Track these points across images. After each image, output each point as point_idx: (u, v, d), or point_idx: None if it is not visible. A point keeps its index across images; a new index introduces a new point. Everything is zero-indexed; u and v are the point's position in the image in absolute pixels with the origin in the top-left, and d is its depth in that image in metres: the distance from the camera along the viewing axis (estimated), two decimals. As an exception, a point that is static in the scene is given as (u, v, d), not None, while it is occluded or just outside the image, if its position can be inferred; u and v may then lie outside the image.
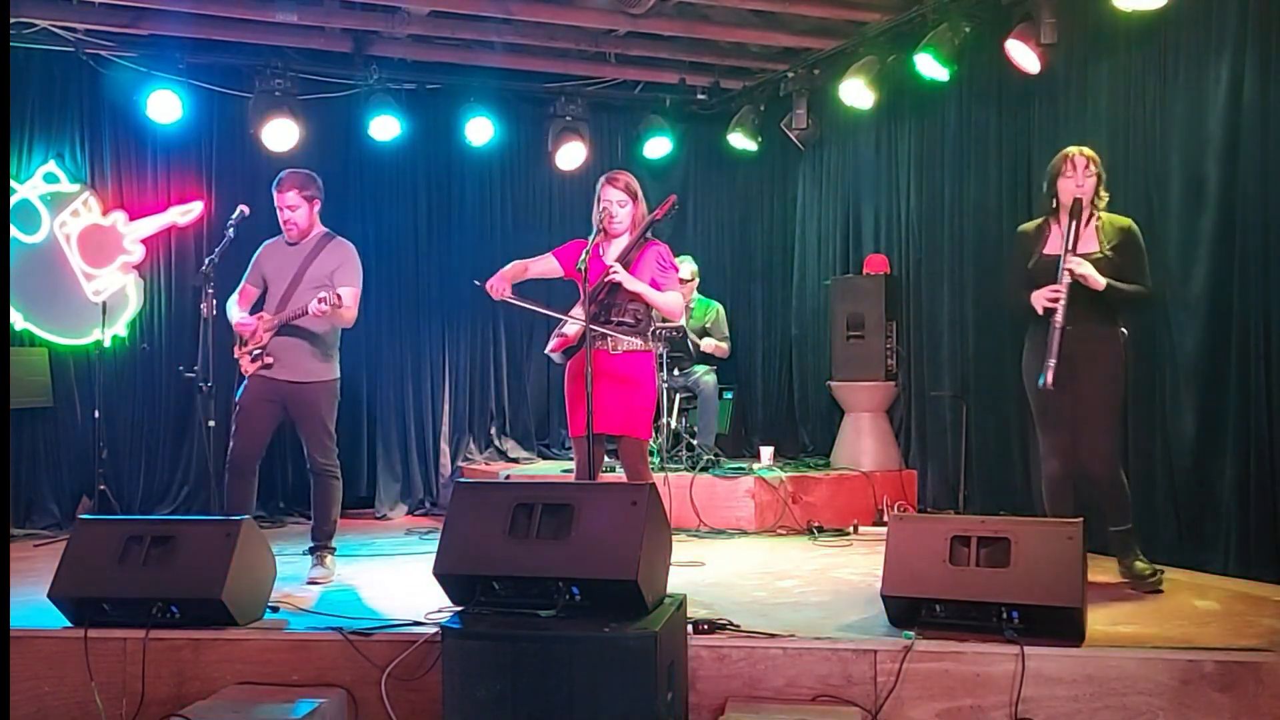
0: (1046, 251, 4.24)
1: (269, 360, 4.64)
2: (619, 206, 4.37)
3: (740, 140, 7.37)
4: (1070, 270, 4.03)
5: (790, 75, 6.94)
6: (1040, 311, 4.12)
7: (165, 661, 3.52)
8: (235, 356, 4.75)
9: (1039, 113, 5.71)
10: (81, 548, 3.69)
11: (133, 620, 3.56)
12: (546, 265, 4.52)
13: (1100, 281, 4.04)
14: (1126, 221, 4.26)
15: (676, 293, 4.43)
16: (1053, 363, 4.01)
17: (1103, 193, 4.24)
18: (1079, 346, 4.10)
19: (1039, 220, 4.39)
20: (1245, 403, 4.55)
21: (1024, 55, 5.43)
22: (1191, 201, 4.83)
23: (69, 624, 3.63)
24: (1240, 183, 4.62)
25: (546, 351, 4.52)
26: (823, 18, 6.60)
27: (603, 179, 4.46)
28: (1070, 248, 4.07)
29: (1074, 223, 4.09)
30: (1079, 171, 4.18)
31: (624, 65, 7.42)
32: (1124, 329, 4.25)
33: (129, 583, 3.59)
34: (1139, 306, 4.27)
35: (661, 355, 6.34)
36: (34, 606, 3.82)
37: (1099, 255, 4.13)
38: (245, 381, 4.70)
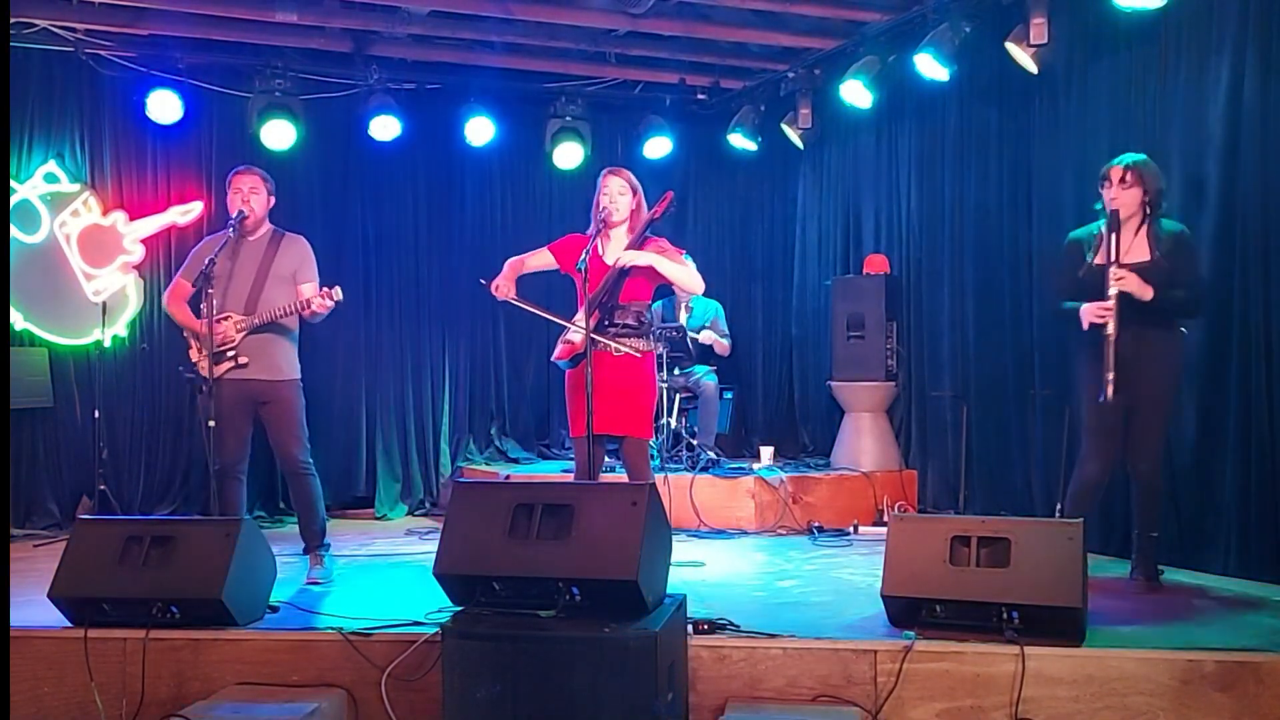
0: (1097, 261, 4.23)
1: (243, 360, 4.55)
2: (619, 195, 4.40)
3: (740, 140, 7.36)
4: (1115, 283, 4.04)
5: (790, 75, 6.94)
6: (1085, 327, 4.14)
7: (165, 662, 3.52)
8: (193, 360, 4.63)
9: (1039, 112, 5.71)
10: (81, 548, 3.68)
11: (133, 620, 3.55)
12: (542, 260, 4.55)
13: (1147, 293, 4.04)
14: (1179, 228, 4.25)
15: (689, 267, 4.44)
16: (1111, 376, 4.05)
17: (1157, 199, 4.20)
18: (1138, 349, 4.10)
19: (1091, 227, 4.36)
20: (1245, 403, 4.55)
21: (1022, 56, 5.44)
22: (1191, 201, 4.82)
23: (69, 624, 3.63)
24: (1240, 183, 4.62)
25: (553, 359, 4.50)
26: (823, 17, 6.60)
27: (604, 171, 4.51)
28: (1114, 260, 4.08)
29: (1112, 235, 4.11)
30: (1114, 184, 4.18)
31: (624, 65, 7.42)
32: (1183, 329, 4.25)
33: (129, 583, 3.58)
34: (1190, 312, 4.26)
35: (661, 355, 6.34)
36: (34, 606, 3.83)
37: (1148, 262, 4.13)
38: (211, 386, 4.51)
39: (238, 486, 4.64)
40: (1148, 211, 4.20)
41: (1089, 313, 4.12)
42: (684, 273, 4.38)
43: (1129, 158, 4.23)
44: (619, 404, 4.31)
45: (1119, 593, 4.16)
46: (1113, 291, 4.05)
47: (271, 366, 4.62)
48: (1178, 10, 4.87)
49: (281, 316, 4.59)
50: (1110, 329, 4.04)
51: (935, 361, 6.53)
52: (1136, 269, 4.10)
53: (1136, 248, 4.18)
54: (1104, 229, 4.17)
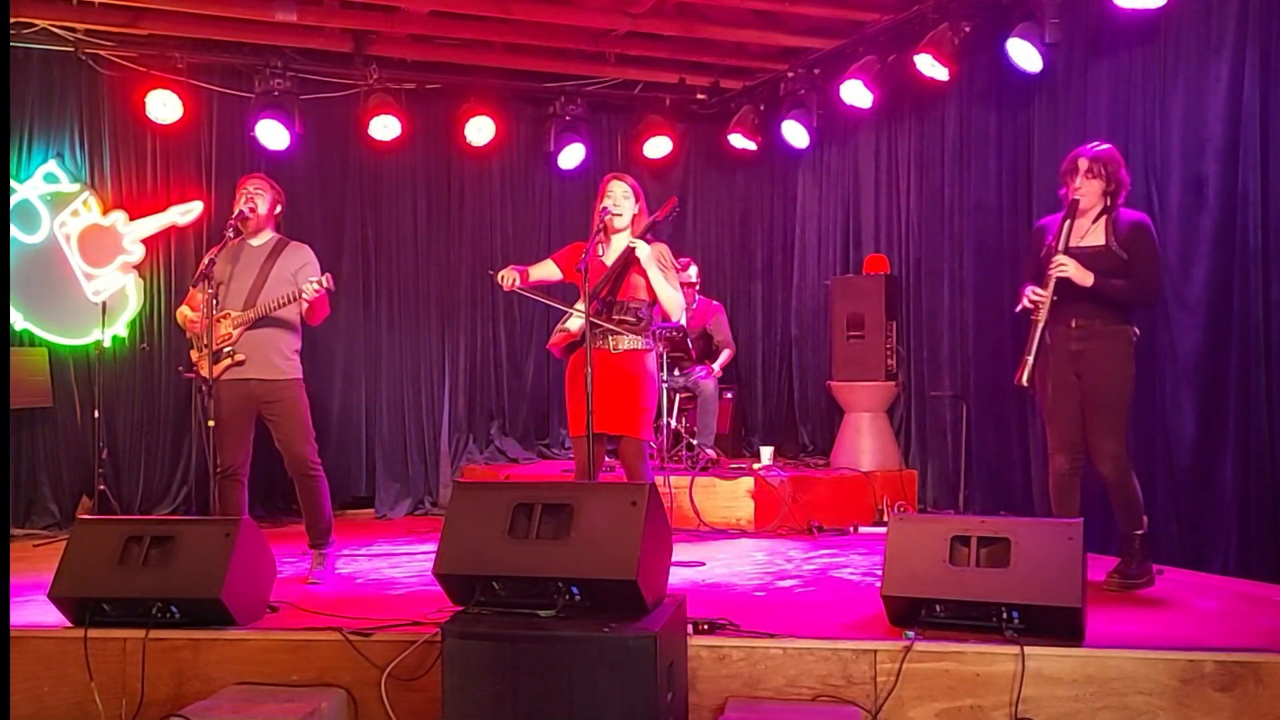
0: (1052, 243, 4.25)
1: (240, 359, 4.50)
2: (623, 199, 4.40)
3: (740, 140, 7.37)
4: (1054, 269, 4.08)
5: (790, 75, 6.94)
6: (1017, 309, 4.21)
7: (165, 661, 3.52)
8: (194, 362, 4.58)
9: (1039, 113, 5.71)
10: (81, 548, 3.68)
11: (132, 620, 3.55)
12: (546, 271, 4.54)
13: (1087, 278, 4.06)
14: (1138, 216, 4.25)
15: (679, 292, 4.46)
16: (1029, 359, 4.12)
17: (1118, 190, 4.22)
18: (1086, 344, 4.15)
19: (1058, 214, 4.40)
20: (1245, 402, 4.55)
21: (1026, 54, 5.42)
22: (1191, 201, 4.83)
23: (69, 624, 3.63)
24: (1240, 183, 4.62)
25: (548, 346, 4.51)
26: (823, 17, 6.61)
27: (607, 176, 4.52)
28: (1062, 247, 4.12)
29: (1067, 222, 4.15)
30: (1080, 174, 4.20)
31: (624, 65, 7.42)
32: (1135, 328, 4.22)
33: (129, 583, 3.58)
34: (1136, 302, 4.22)
35: (661, 355, 6.34)
36: (34, 606, 3.83)
37: (1102, 248, 4.14)
38: (213, 389, 4.48)
39: (239, 489, 4.59)
40: (1109, 201, 4.21)
41: (1023, 296, 4.18)
42: (670, 296, 4.36)
43: (1094, 148, 4.23)
44: (617, 403, 4.31)
45: (1119, 593, 4.15)
46: (1051, 274, 4.08)
47: (270, 366, 4.56)
48: (1178, 10, 4.87)
49: (278, 309, 4.52)
50: (1040, 315, 4.10)
51: (935, 361, 6.54)
52: (1089, 254, 4.11)
53: (1093, 234, 4.20)
54: (1063, 216, 4.20)
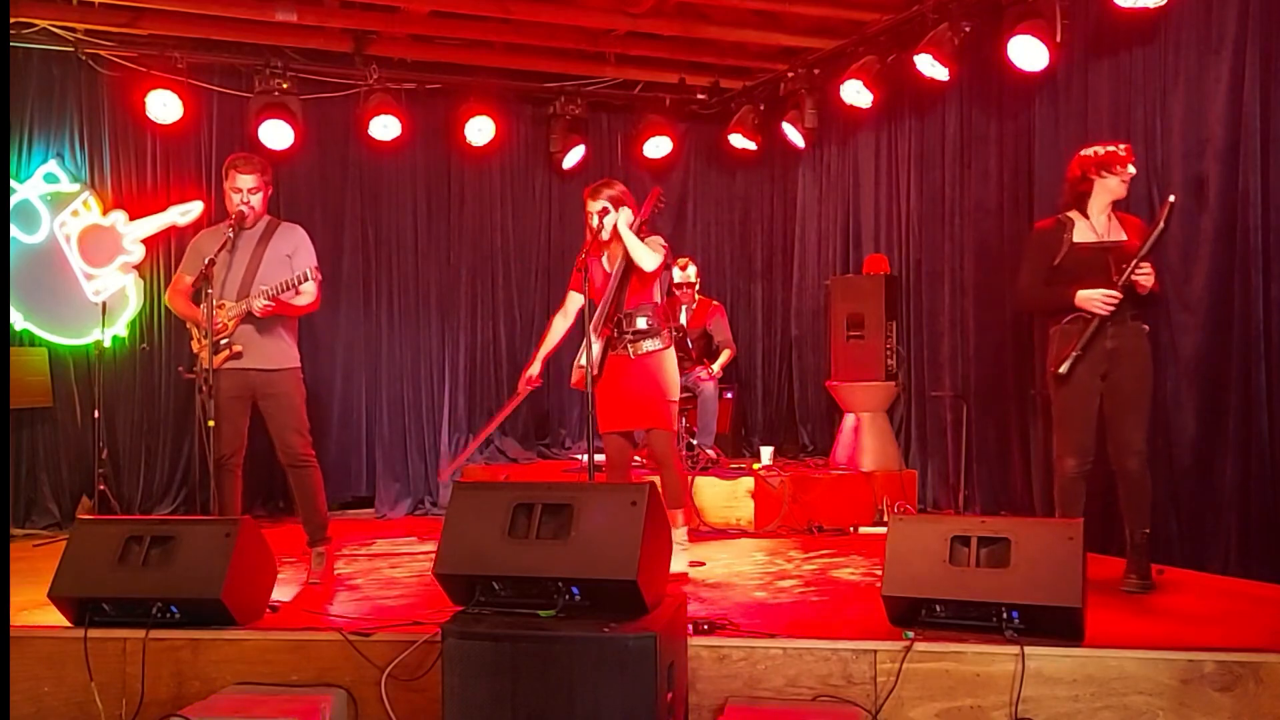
0: (1078, 240, 4.22)
1: (238, 349, 4.48)
2: (601, 216, 4.51)
3: (740, 140, 7.37)
4: (1141, 275, 4.05)
5: (790, 75, 6.94)
6: (1095, 310, 4.10)
7: (165, 661, 3.52)
8: (195, 351, 4.57)
9: (1039, 113, 5.71)
10: (81, 548, 3.68)
11: (132, 620, 3.55)
12: (574, 304, 4.72)
13: (1152, 283, 4.09)
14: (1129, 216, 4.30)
15: (656, 252, 4.52)
16: (1077, 354, 4.11)
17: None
18: (1118, 342, 4.14)
19: (1057, 216, 4.38)
20: (1246, 402, 4.55)
21: (1031, 51, 5.39)
22: (1191, 201, 4.83)
23: (69, 624, 3.63)
24: (1240, 183, 4.62)
25: (572, 385, 4.61)
26: (823, 17, 6.61)
27: (585, 191, 4.64)
28: (1144, 255, 4.06)
29: (1162, 227, 4.06)
30: (1130, 161, 4.20)
31: (624, 65, 7.42)
32: (1145, 324, 4.25)
33: (129, 583, 3.58)
34: (1161, 298, 4.33)
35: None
36: (34, 607, 3.82)
37: (1124, 242, 4.16)
38: (212, 378, 4.44)
39: (233, 479, 4.56)
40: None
41: (1091, 300, 4.08)
42: (638, 248, 4.45)
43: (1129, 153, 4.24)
44: (641, 401, 4.50)
45: (1119, 593, 4.15)
46: (1139, 278, 4.04)
47: (267, 355, 4.54)
48: (1178, 10, 4.87)
49: (279, 294, 4.46)
50: (1099, 315, 4.11)
51: (935, 361, 6.53)
52: (1115, 248, 4.13)
53: (1112, 229, 4.21)
54: (1164, 218, 4.08)
